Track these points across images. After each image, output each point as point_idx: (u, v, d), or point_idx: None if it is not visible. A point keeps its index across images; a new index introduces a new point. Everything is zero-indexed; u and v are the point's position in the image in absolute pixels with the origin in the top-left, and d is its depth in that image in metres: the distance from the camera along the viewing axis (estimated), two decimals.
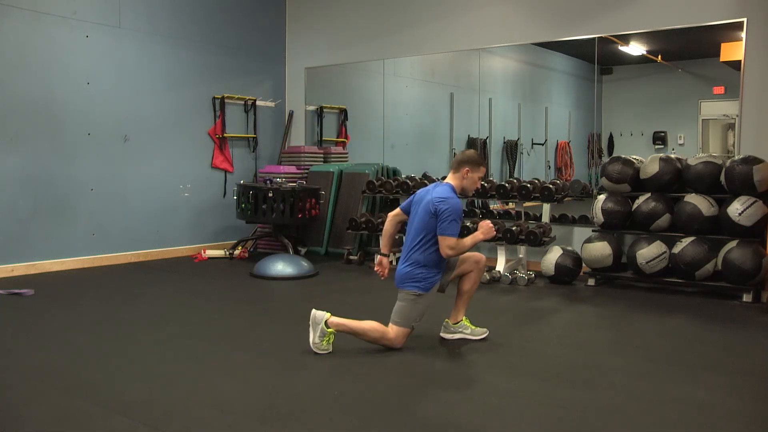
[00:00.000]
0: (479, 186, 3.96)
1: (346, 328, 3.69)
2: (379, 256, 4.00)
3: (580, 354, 3.77)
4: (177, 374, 3.38)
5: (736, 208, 5.12)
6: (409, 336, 3.77)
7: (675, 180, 5.57)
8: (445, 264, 3.85)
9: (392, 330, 3.71)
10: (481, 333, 3.99)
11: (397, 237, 4.65)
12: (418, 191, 3.91)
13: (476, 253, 3.99)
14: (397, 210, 4.01)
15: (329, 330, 3.64)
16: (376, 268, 4.01)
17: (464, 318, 3.98)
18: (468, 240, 3.75)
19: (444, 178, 4.01)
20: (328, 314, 3.67)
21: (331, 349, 3.66)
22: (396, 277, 3.81)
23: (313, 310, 3.69)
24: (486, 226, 3.82)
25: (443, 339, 3.97)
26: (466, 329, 3.98)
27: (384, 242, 4.03)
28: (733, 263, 5.03)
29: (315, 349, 3.63)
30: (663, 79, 6.84)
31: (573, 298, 5.31)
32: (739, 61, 5.57)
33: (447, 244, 3.66)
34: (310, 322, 3.66)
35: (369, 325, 3.72)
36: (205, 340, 4.00)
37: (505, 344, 3.95)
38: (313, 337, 3.64)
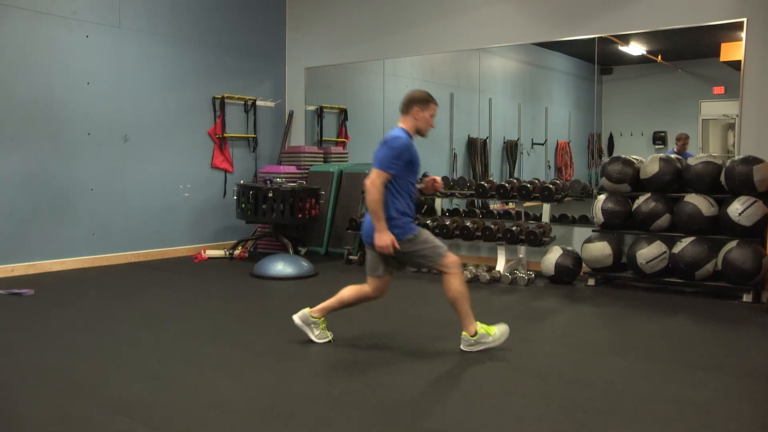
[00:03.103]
0: (433, 125, 3.76)
1: (329, 308, 3.80)
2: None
3: (580, 354, 3.77)
4: (177, 374, 3.38)
5: (736, 208, 5.12)
6: (409, 335, 3.78)
7: (675, 180, 5.57)
8: (412, 210, 3.73)
9: (368, 283, 3.80)
10: (500, 336, 3.78)
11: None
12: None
13: (451, 256, 3.75)
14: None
15: (314, 318, 3.78)
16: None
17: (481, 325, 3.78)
18: (379, 211, 3.56)
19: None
20: (307, 309, 3.81)
21: (330, 336, 3.82)
22: (363, 231, 3.79)
23: (294, 316, 3.83)
24: (386, 240, 3.57)
25: (462, 350, 3.76)
26: (488, 338, 3.74)
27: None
28: (733, 263, 5.03)
29: (319, 341, 3.78)
30: (663, 79, 6.84)
31: (573, 298, 5.31)
32: (739, 61, 5.57)
33: (371, 176, 3.58)
34: (300, 326, 3.81)
35: (346, 292, 3.82)
36: (205, 340, 4.00)
37: (505, 344, 3.94)
38: (311, 334, 3.79)
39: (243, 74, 8.00)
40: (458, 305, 3.66)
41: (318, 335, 3.80)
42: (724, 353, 3.83)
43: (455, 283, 3.65)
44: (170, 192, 7.32)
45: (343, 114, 8.49)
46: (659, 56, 6.63)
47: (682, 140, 6.33)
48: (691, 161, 5.52)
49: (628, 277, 5.67)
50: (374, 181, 3.57)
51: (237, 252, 7.24)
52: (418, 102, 3.71)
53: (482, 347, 3.69)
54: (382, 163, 3.56)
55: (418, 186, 3.82)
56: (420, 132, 3.76)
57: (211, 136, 7.69)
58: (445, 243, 7.04)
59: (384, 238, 3.58)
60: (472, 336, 3.67)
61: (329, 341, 3.84)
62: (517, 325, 4.47)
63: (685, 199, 5.41)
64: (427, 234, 3.75)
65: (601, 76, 6.73)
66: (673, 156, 5.73)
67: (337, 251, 7.33)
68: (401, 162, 3.58)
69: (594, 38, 6.32)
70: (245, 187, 7.05)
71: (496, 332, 3.74)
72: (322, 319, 3.80)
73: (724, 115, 6.30)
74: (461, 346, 3.71)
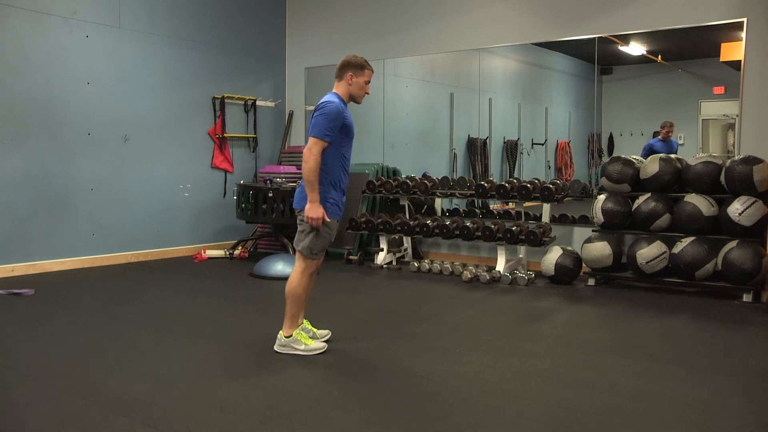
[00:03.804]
0: (368, 91, 3.69)
1: (289, 317, 3.61)
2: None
3: (581, 354, 3.77)
4: (177, 374, 3.38)
5: (736, 208, 5.12)
6: (410, 335, 3.77)
7: (675, 180, 5.57)
8: (344, 183, 3.64)
9: (297, 258, 3.63)
10: (318, 348, 3.71)
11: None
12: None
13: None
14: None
15: (295, 334, 3.63)
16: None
17: (305, 321, 3.85)
18: (315, 182, 3.43)
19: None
20: (280, 332, 3.66)
21: (323, 344, 3.68)
22: (294, 199, 3.66)
23: (275, 348, 3.67)
24: (318, 212, 3.47)
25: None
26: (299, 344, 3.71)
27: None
28: (733, 263, 5.03)
29: (311, 353, 3.63)
30: (663, 79, 6.83)
31: (573, 298, 5.31)
32: (739, 61, 5.57)
33: (308, 144, 3.45)
34: (284, 351, 3.64)
35: (288, 287, 3.61)
36: (205, 340, 4.00)
37: (505, 344, 3.95)
38: (299, 351, 3.62)
39: (243, 74, 8.00)
40: (288, 303, 3.61)
41: (306, 348, 3.61)
42: (724, 353, 3.83)
43: (295, 280, 3.59)
44: (170, 192, 7.32)
45: None
46: (659, 56, 6.63)
47: (667, 128, 6.35)
48: (691, 161, 5.52)
49: (628, 277, 5.67)
50: (311, 149, 3.44)
51: (237, 252, 7.24)
52: (353, 67, 3.63)
53: (292, 352, 3.64)
54: (319, 130, 3.45)
55: None
56: (354, 98, 3.67)
57: (211, 136, 7.69)
58: (445, 243, 7.03)
59: (316, 210, 3.48)
60: (286, 337, 3.64)
61: (327, 341, 3.77)
62: (517, 325, 4.48)
63: (685, 199, 5.41)
64: (332, 228, 3.62)
65: (601, 76, 6.72)
66: (673, 156, 5.73)
67: (337, 251, 7.33)
68: (335, 127, 3.49)
69: (594, 38, 6.32)
70: (245, 187, 7.06)
71: (312, 345, 3.66)
72: (296, 331, 3.63)
73: (724, 115, 6.29)
74: (275, 346, 3.69)
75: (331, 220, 3.58)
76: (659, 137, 6.40)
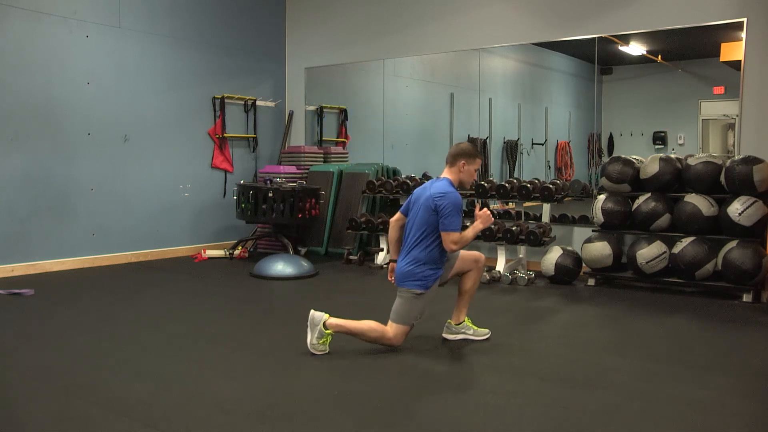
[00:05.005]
0: (476, 178, 3.96)
1: (344, 329, 3.67)
2: (390, 263, 3.96)
3: (580, 354, 3.77)
4: (177, 374, 3.38)
5: (736, 208, 5.12)
6: (409, 334, 3.77)
7: (675, 180, 5.57)
8: (445, 261, 3.84)
9: (391, 328, 3.70)
10: (483, 334, 3.99)
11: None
12: (416, 190, 3.90)
13: (475, 252, 4.00)
14: (398, 214, 3.96)
15: (327, 331, 3.63)
16: (389, 277, 3.97)
17: (466, 318, 3.98)
18: (470, 232, 3.73)
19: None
20: (327, 315, 3.66)
21: (328, 350, 3.65)
22: (396, 275, 3.79)
23: (312, 311, 3.68)
24: (485, 215, 3.79)
25: (445, 339, 3.97)
26: (469, 330, 3.97)
27: (393, 249, 3.97)
28: (733, 263, 5.03)
29: (312, 350, 3.62)
30: (663, 79, 6.84)
31: (573, 298, 5.31)
32: (739, 61, 5.57)
33: (451, 239, 3.65)
34: (309, 323, 3.65)
35: (367, 325, 3.71)
36: (205, 340, 4.00)
37: (505, 344, 3.95)
38: (310, 338, 3.63)
39: (243, 74, 8.00)
40: (362, 335, 3.73)
41: (314, 345, 3.62)
42: (724, 353, 3.83)
43: (377, 334, 3.69)
44: (170, 192, 7.32)
45: (343, 114, 8.49)
46: (659, 56, 6.63)
47: None
48: (691, 161, 5.52)
49: (628, 277, 5.67)
50: (454, 241, 3.65)
51: (237, 252, 7.24)
52: (466, 156, 3.84)
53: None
54: (456, 226, 3.66)
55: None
56: (462, 184, 3.90)
57: (211, 136, 7.69)
58: None
59: (484, 220, 3.78)
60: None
61: (324, 353, 3.70)
62: (517, 325, 4.48)
63: (685, 199, 5.41)
64: (427, 300, 3.75)
65: (601, 76, 6.73)
66: (673, 156, 5.73)
67: (337, 251, 7.33)
68: (461, 217, 3.73)
69: (594, 38, 6.32)
70: (245, 187, 7.05)
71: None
72: (329, 332, 3.64)
73: (724, 115, 6.30)
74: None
75: (431, 288, 3.73)
76: None
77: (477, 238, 6.20)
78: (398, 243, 3.92)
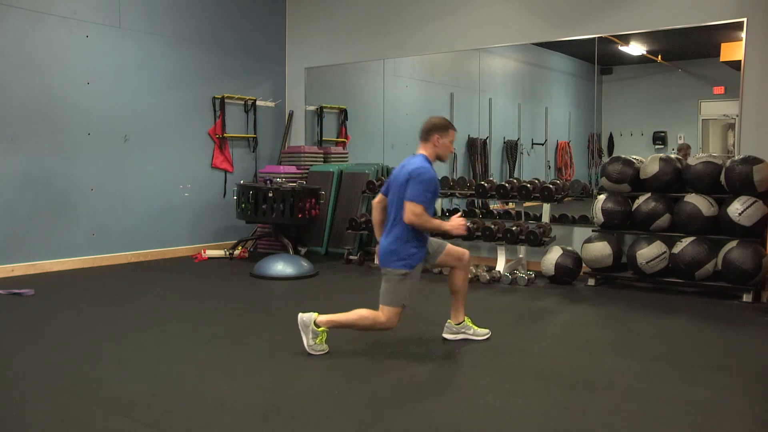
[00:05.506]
0: (453, 150, 3.86)
1: (335, 323, 3.65)
2: (377, 246, 3.90)
3: (580, 354, 3.77)
4: (177, 374, 3.38)
5: (736, 208, 5.12)
6: (409, 334, 3.77)
7: (675, 180, 5.57)
8: (426, 237, 3.77)
9: (383, 312, 3.64)
10: (483, 334, 3.99)
11: None
12: (394, 170, 3.80)
13: (461, 249, 3.95)
14: (379, 196, 3.88)
15: (320, 329, 3.62)
16: (376, 260, 3.93)
17: (466, 318, 3.97)
18: (435, 221, 3.65)
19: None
20: (315, 314, 3.65)
21: (327, 348, 3.65)
22: (379, 255, 3.72)
23: (300, 314, 3.67)
24: (457, 224, 3.71)
25: (446, 339, 3.97)
26: (469, 330, 3.97)
27: (377, 231, 3.90)
28: (733, 263, 5.03)
29: (311, 351, 3.62)
30: (663, 79, 6.84)
31: (573, 298, 5.31)
32: (739, 61, 5.56)
33: (411, 209, 3.55)
34: (300, 327, 3.65)
35: (357, 314, 3.67)
36: (205, 341, 4.00)
37: (506, 344, 3.95)
38: (306, 340, 3.62)
39: (243, 74, 8.00)
40: (355, 325, 3.71)
41: (312, 346, 3.61)
42: (724, 353, 3.83)
43: (369, 321, 3.66)
44: (170, 192, 7.32)
45: (343, 114, 8.49)
46: (659, 56, 6.63)
47: (684, 150, 6.34)
48: (691, 161, 5.52)
49: (628, 277, 5.67)
50: (415, 212, 3.56)
51: (237, 252, 7.24)
52: (438, 129, 3.75)
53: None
54: (417, 197, 3.57)
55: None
56: (439, 158, 3.81)
57: (211, 136, 7.69)
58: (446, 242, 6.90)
59: (454, 225, 3.70)
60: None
61: (325, 352, 3.70)
62: (517, 325, 4.48)
63: (685, 199, 5.41)
64: (414, 279, 3.69)
65: (601, 76, 6.73)
66: (673, 156, 5.73)
67: (337, 251, 7.33)
68: (430, 194, 3.63)
69: (594, 38, 6.32)
70: (245, 187, 7.05)
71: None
72: (322, 329, 3.63)
73: (724, 115, 6.30)
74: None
75: (415, 267, 3.67)
76: None
77: (475, 237, 6.26)
78: (382, 225, 3.85)
